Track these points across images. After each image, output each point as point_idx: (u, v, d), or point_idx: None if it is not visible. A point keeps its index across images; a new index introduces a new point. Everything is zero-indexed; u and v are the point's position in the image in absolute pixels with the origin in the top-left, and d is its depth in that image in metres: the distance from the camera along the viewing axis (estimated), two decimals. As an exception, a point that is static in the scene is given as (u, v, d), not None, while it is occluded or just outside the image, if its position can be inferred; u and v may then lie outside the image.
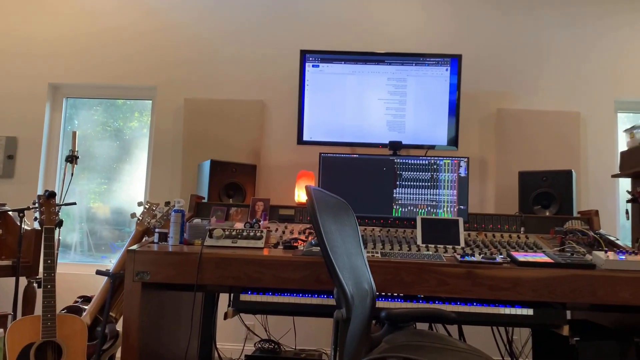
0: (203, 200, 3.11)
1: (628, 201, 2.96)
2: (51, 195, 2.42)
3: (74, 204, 3.07)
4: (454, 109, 3.37)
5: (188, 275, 2.27)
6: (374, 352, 1.79)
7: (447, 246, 2.56)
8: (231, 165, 3.31)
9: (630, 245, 2.83)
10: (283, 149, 3.80)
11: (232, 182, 3.27)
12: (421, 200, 2.88)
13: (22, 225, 2.95)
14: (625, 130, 3.08)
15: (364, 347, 1.87)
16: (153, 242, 2.52)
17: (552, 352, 2.66)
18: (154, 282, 2.30)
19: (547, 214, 3.04)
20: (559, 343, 2.53)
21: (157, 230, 2.56)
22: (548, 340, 2.70)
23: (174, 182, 3.80)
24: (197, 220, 2.62)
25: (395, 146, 3.19)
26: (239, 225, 2.62)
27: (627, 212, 2.98)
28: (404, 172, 2.91)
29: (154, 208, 2.87)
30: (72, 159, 3.39)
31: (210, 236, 2.45)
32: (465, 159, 2.88)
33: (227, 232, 2.48)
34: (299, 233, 2.73)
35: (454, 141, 3.36)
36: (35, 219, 2.46)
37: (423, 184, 2.89)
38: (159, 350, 2.56)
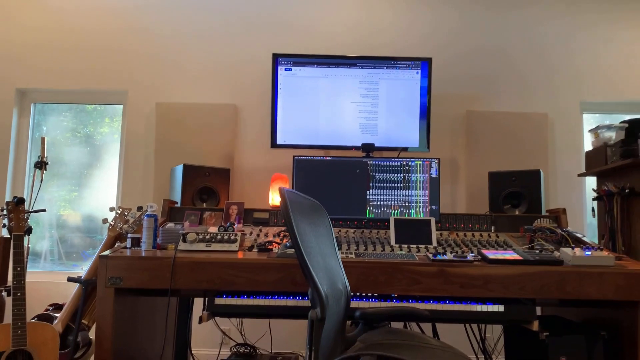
0: (176, 205, 3.09)
1: (594, 199, 3.04)
2: (20, 201, 2.38)
3: (44, 210, 3.02)
4: (425, 112, 3.42)
5: (162, 280, 2.26)
6: (349, 351, 1.80)
7: (420, 246, 2.60)
8: (204, 169, 3.30)
9: (597, 242, 2.91)
10: (257, 153, 3.80)
11: (205, 186, 3.26)
12: (394, 201, 2.92)
13: (-10, 233, 2.89)
14: (590, 131, 3.17)
15: (339, 347, 1.89)
16: (126, 248, 2.49)
17: (523, 347, 2.71)
18: (127, 287, 2.28)
19: (517, 212, 3.11)
20: (529, 338, 2.59)
21: (129, 235, 2.53)
22: (519, 336, 2.76)
23: (146, 187, 3.76)
24: (170, 225, 2.60)
25: (368, 148, 3.22)
26: (213, 229, 2.61)
27: (593, 210, 3.07)
28: (376, 174, 2.94)
29: (126, 213, 2.84)
30: (41, 165, 3.32)
31: (184, 240, 2.44)
32: (437, 160, 2.93)
33: (200, 236, 2.47)
34: (274, 236, 2.74)
35: (425, 143, 3.41)
36: (4, 225, 2.41)
37: (395, 185, 2.93)
38: (133, 356, 2.53)
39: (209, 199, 3.27)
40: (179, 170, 3.24)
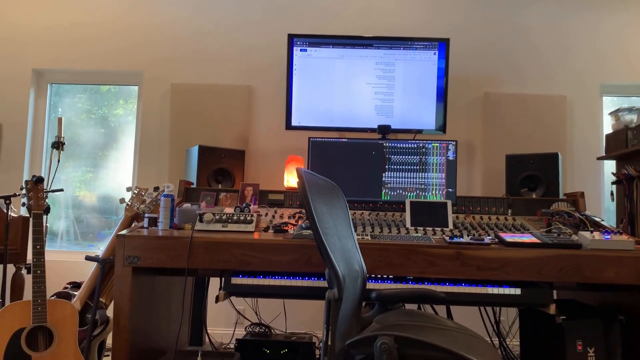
0: (192, 186, 3.10)
1: (613, 183, 3.01)
2: (39, 180, 2.40)
3: (62, 190, 3.05)
4: (442, 93, 3.38)
5: (179, 259, 2.27)
6: (366, 331, 1.81)
7: (436, 228, 2.59)
8: (219, 150, 3.30)
9: (615, 226, 2.88)
10: (271, 135, 3.79)
11: (220, 168, 3.26)
12: (410, 183, 2.90)
13: (9, 213, 2.92)
14: (611, 113, 3.12)
15: (355, 327, 1.90)
16: (143, 227, 2.51)
17: (538, 331, 2.71)
18: (144, 266, 2.30)
19: (534, 196, 3.08)
20: (545, 322, 2.58)
21: (146, 215, 2.55)
22: (535, 320, 2.75)
23: (162, 168, 3.78)
24: (187, 205, 2.62)
25: (384, 130, 3.19)
26: (229, 210, 2.62)
27: (612, 194, 3.03)
28: (392, 156, 2.92)
29: (143, 193, 2.86)
30: (58, 145, 3.35)
31: (201, 220, 2.45)
32: (454, 143, 2.90)
33: (217, 217, 2.48)
34: (289, 217, 2.74)
35: (441, 125, 3.38)
36: (23, 204, 2.43)
37: (412, 167, 2.91)
38: (150, 335, 2.56)
39: (224, 181, 3.27)
40: (195, 151, 3.25)
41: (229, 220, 2.47)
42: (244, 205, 2.66)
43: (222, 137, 3.68)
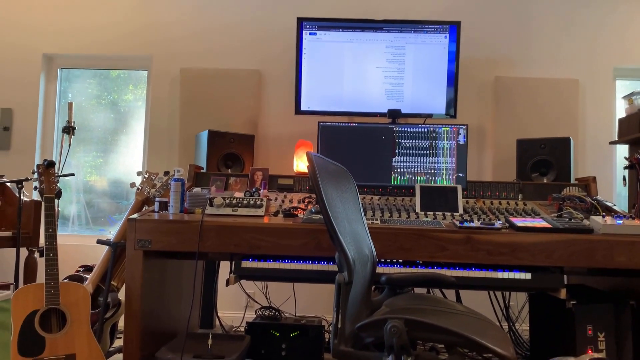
0: (202, 171, 3.11)
1: (625, 168, 2.97)
2: (50, 164, 2.42)
3: (73, 174, 3.07)
4: (453, 77, 3.35)
5: (189, 243, 2.29)
6: (376, 315, 1.82)
7: (446, 213, 2.58)
8: (229, 135, 3.30)
9: (627, 211, 2.85)
10: (281, 119, 3.78)
11: (230, 153, 3.26)
12: (420, 168, 2.89)
13: (21, 197, 2.95)
14: (624, 97, 3.07)
15: (365, 311, 1.90)
16: (153, 211, 2.53)
17: (548, 315, 2.70)
18: (155, 250, 2.32)
19: (545, 181, 3.06)
20: (555, 306, 2.58)
21: (157, 199, 2.56)
22: (545, 304, 2.75)
23: (171, 153, 3.79)
24: (197, 189, 2.62)
25: (394, 114, 3.18)
26: (239, 195, 2.62)
27: (624, 179, 3.00)
28: (402, 141, 2.90)
29: (153, 178, 2.87)
30: (69, 129, 3.37)
31: (211, 205, 2.46)
32: (464, 127, 2.88)
33: (227, 201, 2.49)
34: (299, 202, 2.75)
35: (452, 109, 3.36)
36: (35, 188, 2.45)
37: (422, 152, 2.89)
38: (161, 318, 2.59)
39: (233, 165, 3.28)
40: (204, 136, 3.25)
41: (239, 205, 2.48)
42: (253, 189, 2.66)
43: (231, 122, 3.68)
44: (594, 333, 2.35)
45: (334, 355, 1.69)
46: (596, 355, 1.75)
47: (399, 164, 2.90)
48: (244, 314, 3.60)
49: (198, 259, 2.33)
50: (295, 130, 3.73)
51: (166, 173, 2.90)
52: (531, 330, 2.96)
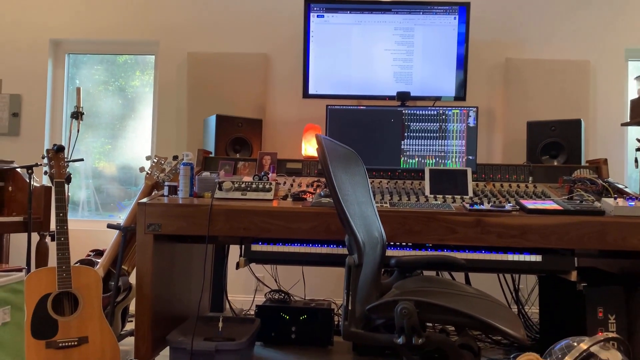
0: (210, 155, 3.11)
1: (637, 149, 2.94)
2: (60, 149, 2.42)
3: (82, 160, 3.08)
4: (462, 59, 3.31)
5: (199, 226, 2.29)
6: (386, 297, 1.82)
7: (456, 196, 2.57)
8: (237, 119, 3.29)
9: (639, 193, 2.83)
10: (288, 103, 3.76)
11: (238, 137, 3.26)
12: (429, 151, 2.87)
13: (31, 182, 2.97)
14: (636, 78, 3.03)
15: (375, 293, 1.91)
16: (163, 195, 2.53)
17: (558, 298, 2.70)
18: (165, 234, 2.33)
19: (555, 163, 3.03)
20: (566, 289, 2.57)
21: (166, 183, 2.57)
22: (555, 287, 2.75)
23: (180, 137, 3.79)
24: (206, 174, 2.63)
25: (403, 97, 3.15)
26: (248, 179, 2.62)
27: (636, 161, 2.97)
28: (412, 124, 2.88)
29: (162, 162, 2.87)
30: (77, 115, 3.37)
31: (220, 189, 2.46)
32: (474, 109, 2.86)
33: (236, 185, 2.49)
34: (307, 186, 2.74)
35: (461, 92, 3.32)
36: (45, 173, 2.46)
37: (431, 134, 2.87)
38: (172, 301, 2.61)
39: (241, 150, 3.27)
40: (212, 120, 3.24)
41: (248, 189, 2.48)
42: (262, 173, 2.66)
43: (239, 106, 3.67)
44: (604, 315, 2.35)
45: (345, 336, 1.69)
46: (611, 335, 1.74)
47: (408, 147, 2.88)
48: (254, 297, 3.62)
49: (208, 243, 2.34)
50: (303, 114, 3.71)
51: (175, 157, 2.90)
52: (541, 313, 2.96)
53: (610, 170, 2.90)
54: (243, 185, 2.49)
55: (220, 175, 2.71)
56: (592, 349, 1.72)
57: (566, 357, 1.72)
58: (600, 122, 3.64)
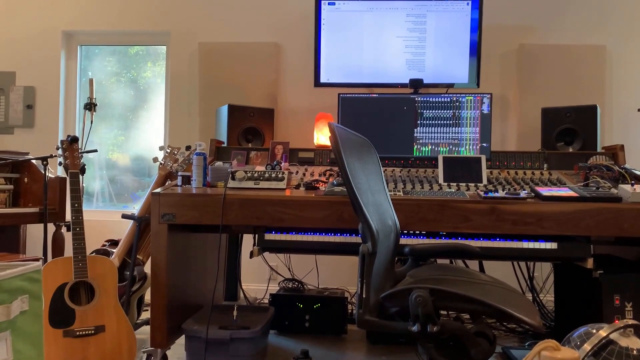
0: (223, 145, 3.11)
1: (655, 135, 2.89)
2: (74, 140, 2.44)
3: (96, 151, 3.10)
4: (475, 45, 3.27)
5: (213, 216, 2.30)
6: (400, 285, 1.81)
7: (470, 184, 2.55)
8: (249, 109, 3.29)
9: (656, 180, 2.78)
10: (300, 92, 3.75)
11: (250, 127, 3.26)
12: (442, 138, 2.85)
13: (46, 173, 2.99)
14: (654, 62, 2.97)
15: (388, 281, 1.90)
16: (176, 185, 2.55)
17: (574, 286, 2.68)
18: (179, 223, 2.34)
19: (571, 150, 2.99)
20: (582, 276, 2.55)
21: (180, 173, 2.58)
22: (570, 275, 2.72)
23: (192, 127, 3.80)
24: (219, 163, 2.63)
25: (416, 84, 3.11)
26: (260, 168, 2.62)
27: (653, 147, 2.92)
28: (425, 111, 2.86)
29: (176, 152, 2.88)
30: (90, 106, 3.39)
31: (233, 178, 2.46)
32: (488, 95, 2.82)
33: (249, 174, 2.49)
34: (320, 175, 2.74)
35: (475, 78, 3.29)
36: (60, 163, 2.48)
37: (444, 122, 2.85)
38: (187, 290, 2.63)
39: (254, 139, 3.27)
40: (224, 110, 3.24)
41: (261, 178, 2.48)
42: (274, 163, 2.66)
43: (251, 96, 3.66)
44: (621, 303, 2.32)
45: (359, 324, 1.69)
46: (630, 322, 1.73)
47: (421, 134, 2.86)
48: (267, 286, 3.64)
49: (221, 232, 2.35)
50: (315, 102, 3.70)
51: (188, 147, 2.91)
52: (556, 301, 2.94)
53: (627, 157, 2.86)
54: (256, 175, 2.49)
55: (233, 165, 2.71)
56: (612, 336, 1.71)
57: (585, 344, 1.71)
58: (616, 108, 3.59)
